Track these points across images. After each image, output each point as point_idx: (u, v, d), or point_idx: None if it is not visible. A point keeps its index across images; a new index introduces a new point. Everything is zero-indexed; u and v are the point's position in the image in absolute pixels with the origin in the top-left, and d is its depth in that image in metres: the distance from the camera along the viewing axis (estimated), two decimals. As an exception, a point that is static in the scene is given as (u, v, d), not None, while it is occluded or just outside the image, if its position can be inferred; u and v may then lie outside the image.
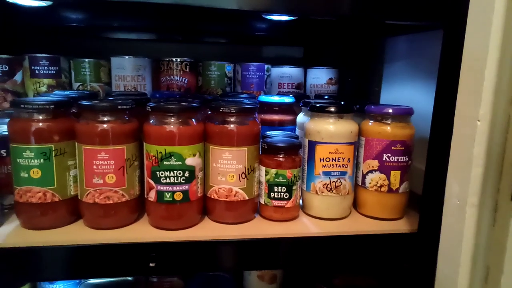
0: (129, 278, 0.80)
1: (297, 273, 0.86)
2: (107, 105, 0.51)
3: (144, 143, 0.54)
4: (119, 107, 0.52)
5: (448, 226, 0.40)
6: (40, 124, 0.50)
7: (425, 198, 0.54)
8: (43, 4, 0.57)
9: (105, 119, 0.51)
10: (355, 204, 0.64)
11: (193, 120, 0.54)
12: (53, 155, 0.51)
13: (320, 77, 0.92)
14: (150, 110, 0.53)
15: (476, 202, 0.36)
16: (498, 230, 0.35)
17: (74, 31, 0.89)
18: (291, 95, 0.79)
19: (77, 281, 0.79)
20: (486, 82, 0.34)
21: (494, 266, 0.34)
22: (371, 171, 0.60)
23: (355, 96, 0.93)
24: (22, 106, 0.50)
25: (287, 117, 0.73)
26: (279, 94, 0.91)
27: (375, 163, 0.59)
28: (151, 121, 0.53)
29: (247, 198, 0.57)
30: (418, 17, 0.54)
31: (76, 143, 0.52)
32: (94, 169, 0.51)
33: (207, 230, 0.56)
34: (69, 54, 0.82)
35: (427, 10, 0.52)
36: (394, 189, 0.59)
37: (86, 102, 0.51)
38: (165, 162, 0.52)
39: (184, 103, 0.55)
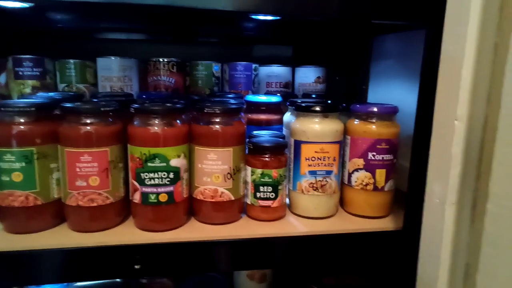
0: (118, 279, 0.80)
1: (287, 272, 0.86)
2: (89, 107, 0.51)
3: (128, 145, 0.53)
4: (102, 109, 0.51)
5: (428, 225, 0.40)
6: (22, 127, 0.50)
7: (410, 196, 0.55)
8: (25, 5, 0.56)
9: (88, 121, 0.51)
10: (342, 203, 0.64)
11: (178, 121, 0.54)
12: (35, 158, 0.50)
13: (308, 76, 0.92)
14: (133, 111, 0.53)
15: (455, 200, 0.36)
16: (476, 229, 0.35)
17: (60, 32, 0.88)
18: (278, 94, 0.79)
19: (65, 284, 0.78)
20: (463, 82, 0.34)
21: (472, 264, 0.35)
22: (356, 170, 0.60)
23: (343, 95, 0.93)
24: (2, 108, 0.50)
25: (274, 117, 0.73)
26: (267, 93, 0.90)
27: (360, 162, 0.60)
28: (135, 123, 0.53)
29: (233, 198, 0.57)
30: (403, 17, 0.54)
31: (59, 145, 0.51)
32: (77, 171, 0.51)
33: (193, 231, 0.56)
34: (55, 56, 0.81)
35: (411, 10, 0.52)
36: (379, 187, 0.60)
37: (68, 104, 0.51)
38: (149, 164, 0.52)
39: (168, 104, 0.54)
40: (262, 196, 0.58)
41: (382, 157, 0.59)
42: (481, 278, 0.33)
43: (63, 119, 0.52)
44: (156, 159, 0.52)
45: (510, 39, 0.30)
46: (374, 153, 0.59)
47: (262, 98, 0.73)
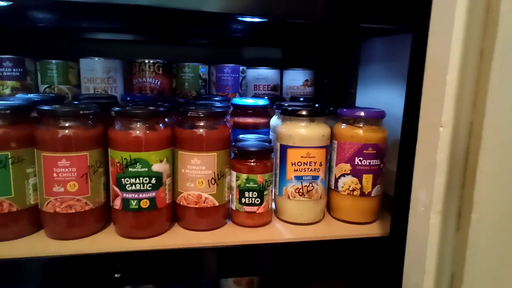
0: (101, 286, 0.78)
1: (274, 278, 0.85)
2: (67, 110, 0.49)
3: (109, 149, 0.52)
4: (81, 112, 0.49)
5: (413, 233, 0.40)
6: (-4, 130, 0.48)
7: (397, 202, 0.54)
8: (3, 3, 0.54)
9: (66, 124, 0.49)
10: (329, 208, 0.64)
11: (161, 124, 0.53)
12: (10, 162, 0.48)
13: (296, 79, 0.91)
14: (114, 115, 0.51)
15: (440, 209, 0.35)
16: (461, 237, 0.34)
17: (42, 31, 0.85)
18: (266, 98, 0.78)
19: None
20: (448, 88, 0.33)
21: (457, 274, 0.34)
22: (343, 175, 0.59)
23: (331, 98, 0.92)
24: (-25, 111, 0.47)
25: (261, 120, 0.72)
26: (255, 96, 0.89)
27: (347, 167, 0.59)
28: (115, 126, 0.51)
29: (217, 204, 0.55)
30: (389, 20, 0.54)
31: (35, 149, 0.50)
32: (54, 177, 0.49)
33: (176, 238, 0.54)
34: (36, 56, 0.79)
35: (398, 14, 0.52)
36: (366, 193, 0.59)
37: (45, 107, 0.49)
38: (130, 169, 0.50)
39: (151, 107, 0.53)
40: (247, 202, 0.57)
41: (369, 162, 0.58)
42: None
43: (40, 122, 0.50)
44: (137, 164, 0.50)
45: (494, 45, 0.30)
46: (361, 158, 0.58)
47: (249, 101, 0.72)
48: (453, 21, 0.32)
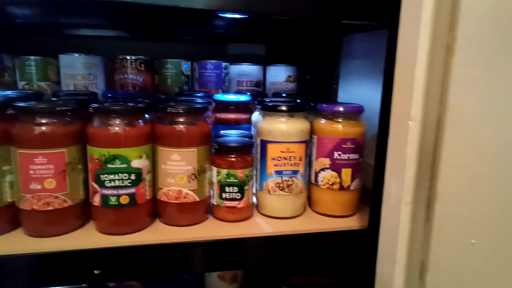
0: (84, 285, 0.77)
1: (258, 272, 0.85)
2: (43, 107, 0.48)
3: (88, 146, 0.51)
4: (58, 108, 0.49)
5: (386, 224, 0.41)
6: (-30, 127, 0.47)
7: (375, 195, 0.55)
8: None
9: (42, 121, 0.48)
10: (310, 202, 0.64)
11: (140, 121, 0.53)
12: (-15, 160, 0.48)
13: (279, 75, 0.92)
14: (92, 111, 0.51)
15: (410, 200, 0.36)
16: (430, 227, 0.36)
17: (20, 27, 0.84)
18: (248, 93, 0.78)
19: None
20: (416, 83, 0.34)
21: (425, 263, 0.35)
22: (323, 169, 0.60)
23: (314, 94, 0.93)
24: None
25: (243, 116, 0.72)
26: (238, 92, 0.90)
27: (327, 161, 0.60)
28: (94, 123, 0.51)
29: (198, 199, 0.56)
30: (368, 17, 0.54)
31: (11, 147, 0.49)
32: (30, 174, 0.48)
33: (157, 234, 0.54)
34: (14, 51, 0.77)
35: (375, 11, 0.53)
36: (345, 187, 0.60)
37: (20, 104, 0.48)
38: (109, 165, 0.50)
39: (129, 104, 0.53)
40: (228, 197, 0.57)
41: (348, 157, 0.59)
42: (431, 277, 0.33)
43: (16, 119, 0.49)
44: (116, 160, 0.50)
45: (455, 41, 0.30)
46: (340, 153, 0.59)
47: (231, 97, 0.73)
48: (420, 18, 0.33)
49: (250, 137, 0.63)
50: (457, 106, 0.31)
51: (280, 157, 0.58)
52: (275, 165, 0.58)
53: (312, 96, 0.91)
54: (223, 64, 0.87)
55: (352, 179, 0.60)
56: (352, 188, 0.60)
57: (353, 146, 0.59)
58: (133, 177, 0.51)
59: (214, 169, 0.57)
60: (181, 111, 0.53)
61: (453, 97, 0.31)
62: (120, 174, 0.51)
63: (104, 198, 0.51)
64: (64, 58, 0.77)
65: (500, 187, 0.29)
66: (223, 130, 0.67)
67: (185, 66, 0.86)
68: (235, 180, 0.57)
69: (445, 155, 0.32)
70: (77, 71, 0.77)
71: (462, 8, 0.30)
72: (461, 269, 0.32)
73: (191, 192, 0.55)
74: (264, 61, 0.95)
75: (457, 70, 0.31)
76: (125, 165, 0.51)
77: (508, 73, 0.28)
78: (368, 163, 0.63)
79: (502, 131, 0.29)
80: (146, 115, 0.55)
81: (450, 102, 0.31)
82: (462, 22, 0.31)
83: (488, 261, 0.30)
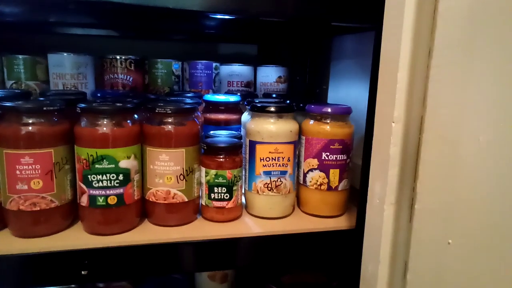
0: (73, 285, 0.77)
1: (248, 272, 0.86)
2: (29, 106, 0.48)
3: (75, 146, 0.51)
4: (44, 108, 0.49)
5: (370, 224, 0.41)
6: (-46, 127, 0.47)
7: (362, 195, 0.56)
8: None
9: (29, 121, 0.48)
10: (298, 202, 0.65)
11: (128, 121, 0.53)
12: (-30, 160, 0.47)
13: (269, 75, 0.92)
14: (79, 111, 0.51)
15: (394, 200, 0.37)
16: (412, 228, 0.36)
17: (8, 25, 0.83)
18: (238, 94, 0.78)
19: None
20: (399, 85, 0.35)
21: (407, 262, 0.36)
22: (311, 170, 0.61)
23: (304, 95, 0.94)
24: None
25: (233, 116, 0.73)
26: (228, 92, 0.90)
27: (315, 162, 0.60)
28: (81, 123, 0.51)
29: (186, 200, 0.56)
30: (356, 19, 0.55)
31: (-3, 147, 0.49)
32: (17, 174, 0.48)
33: (145, 234, 0.54)
34: (2, 50, 0.77)
35: (363, 13, 0.53)
36: (333, 187, 0.61)
37: (6, 103, 0.48)
38: (96, 166, 0.50)
39: (117, 104, 0.53)
40: (217, 197, 0.57)
41: (336, 157, 0.60)
42: (411, 276, 0.34)
43: (2, 118, 0.49)
44: (104, 160, 0.50)
45: (433, 43, 0.31)
46: (328, 153, 0.60)
47: (221, 97, 0.73)
48: (402, 20, 0.33)
49: (239, 137, 0.63)
50: (435, 107, 0.32)
51: (269, 157, 0.58)
52: (264, 166, 0.58)
53: (302, 96, 0.92)
54: (214, 64, 0.87)
55: (340, 180, 0.61)
56: (340, 188, 0.61)
57: (341, 147, 0.60)
58: (121, 177, 0.51)
59: (203, 169, 0.57)
60: (170, 112, 0.53)
61: (431, 98, 0.32)
62: (108, 175, 0.51)
63: (92, 198, 0.51)
64: (53, 57, 0.76)
65: (476, 187, 0.30)
66: (213, 130, 0.67)
67: (176, 66, 0.86)
68: (224, 181, 0.57)
69: (424, 155, 0.32)
70: (66, 70, 0.77)
71: (439, 10, 0.31)
72: (439, 269, 0.32)
73: (179, 193, 0.55)
74: (256, 62, 0.96)
75: (434, 71, 0.32)
76: (113, 166, 0.51)
77: (484, 73, 0.29)
78: (357, 164, 0.64)
79: (479, 131, 0.29)
80: (135, 115, 0.55)
81: (429, 103, 0.32)
82: (440, 23, 0.31)
83: (465, 261, 0.30)
